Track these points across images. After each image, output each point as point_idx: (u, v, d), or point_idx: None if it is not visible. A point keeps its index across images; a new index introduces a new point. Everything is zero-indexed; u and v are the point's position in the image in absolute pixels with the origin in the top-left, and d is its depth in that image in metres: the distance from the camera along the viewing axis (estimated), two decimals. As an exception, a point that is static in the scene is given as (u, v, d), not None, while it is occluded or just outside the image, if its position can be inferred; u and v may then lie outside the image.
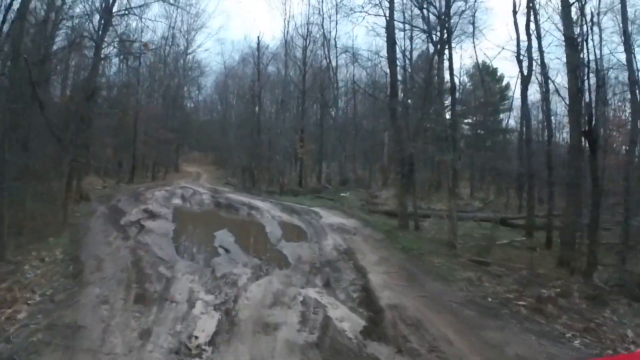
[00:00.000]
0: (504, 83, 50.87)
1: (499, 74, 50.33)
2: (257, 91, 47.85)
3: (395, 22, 28.39)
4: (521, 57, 25.50)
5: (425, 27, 26.52)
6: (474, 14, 33.55)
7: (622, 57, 19.77)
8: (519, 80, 25.93)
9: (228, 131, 59.28)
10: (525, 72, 25.35)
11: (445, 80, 36.10)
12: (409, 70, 39.09)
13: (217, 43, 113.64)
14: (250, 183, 44.84)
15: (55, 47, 27.77)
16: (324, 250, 17.25)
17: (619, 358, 5.65)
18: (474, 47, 48.47)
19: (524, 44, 26.24)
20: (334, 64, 49.78)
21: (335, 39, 49.44)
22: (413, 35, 42.43)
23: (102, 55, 30.88)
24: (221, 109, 66.81)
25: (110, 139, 40.89)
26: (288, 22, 62.60)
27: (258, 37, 69.12)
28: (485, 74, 46.98)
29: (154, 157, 49.75)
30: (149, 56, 48.66)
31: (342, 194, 35.91)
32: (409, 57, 43.78)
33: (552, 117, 35.72)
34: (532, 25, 24.58)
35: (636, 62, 18.83)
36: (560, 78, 34.94)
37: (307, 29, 49.03)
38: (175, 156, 57.98)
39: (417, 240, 19.85)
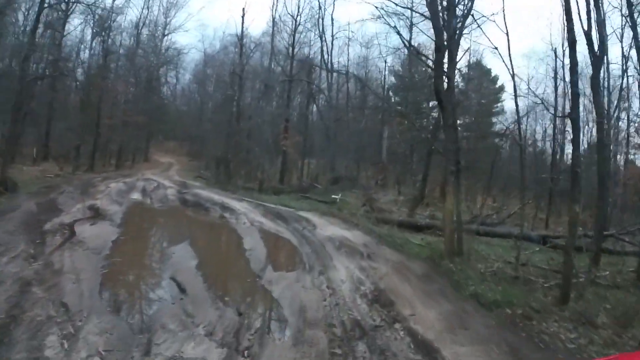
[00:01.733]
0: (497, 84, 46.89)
1: (492, 74, 46.39)
2: (238, 70, 40.79)
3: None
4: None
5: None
6: None
7: None
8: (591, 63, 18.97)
9: (205, 121, 52.81)
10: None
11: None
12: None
13: (198, 29, 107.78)
14: (225, 177, 38.08)
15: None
16: (338, 292, 10.47)
17: (617, 357, 4.12)
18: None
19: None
20: (329, 45, 43.37)
21: (331, 15, 43.40)
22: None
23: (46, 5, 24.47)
24: (199, 98, 60.18)
25: (73, 121, 37.33)
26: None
27: (243, 9, 61.13)
28: (480, 73, 44.04)
29: (119, 143, 43.94)
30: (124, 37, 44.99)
31: (334, 196, 29.36)
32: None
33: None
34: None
35: None
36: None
37: (298, 6, 42.40)
38: (146, 144, 52.85)
39: (486, 278, 12.30)
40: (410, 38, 40.79)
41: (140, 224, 18.04)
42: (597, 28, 16.74)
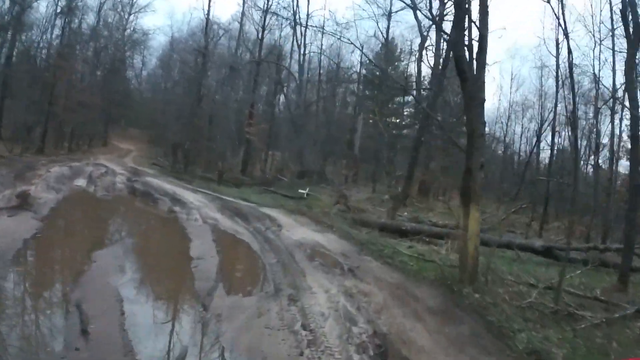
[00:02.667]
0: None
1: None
2: (202, 47, 36.71)
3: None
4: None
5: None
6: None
7: None
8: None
9: (169, 107, 48.72)
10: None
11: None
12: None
13: (167, 14, 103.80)
14: (182, 165, 34.16)
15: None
16: (320, 338, 6.86)
17: None
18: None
19: None
20: (302, 26, 39.77)
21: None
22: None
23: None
24: (164, 84, 55.90)
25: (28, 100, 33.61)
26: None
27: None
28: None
29: (74, 126, 39.42)
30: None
31: (301, 190, 25.93)
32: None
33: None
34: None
35: None
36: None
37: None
38: (105, 129, 48.64)
39: (524, 314, 8.79)
40: (388, 27, 38.11)
41: (70, 218, 14.47)
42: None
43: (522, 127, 42.38)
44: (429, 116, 23.68)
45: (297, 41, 39.47)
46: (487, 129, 21.85)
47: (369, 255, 13.01)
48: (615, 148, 26.49)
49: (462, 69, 10.63)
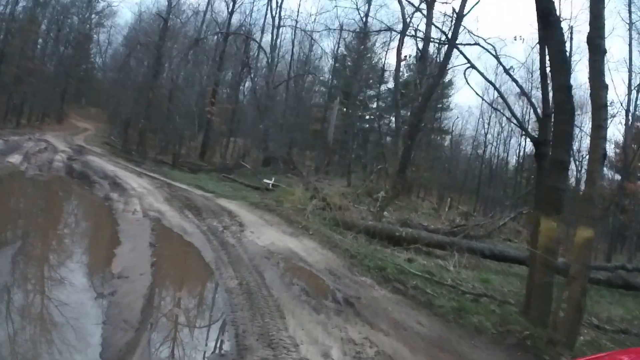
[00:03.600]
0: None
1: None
2: (164, 14, 32.25)
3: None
4: None
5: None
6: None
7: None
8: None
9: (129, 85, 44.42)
10: None
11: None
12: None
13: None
14: (135, 146, 29.85)
15: None
16: None
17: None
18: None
19: None
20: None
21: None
22: None
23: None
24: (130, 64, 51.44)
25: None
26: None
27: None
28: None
29: (23, 98, 35.77)
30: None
31: (266, 180, 22.01)
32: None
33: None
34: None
35: None
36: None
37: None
38: (61, 105, 44.89)
39: None
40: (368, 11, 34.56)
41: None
42: None
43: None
44: (427, 101, 19.91)
45: (271, 12, 35.23)
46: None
47: (366, 274, 9.25)
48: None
49: (549, 21, 6.88)
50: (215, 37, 35.68)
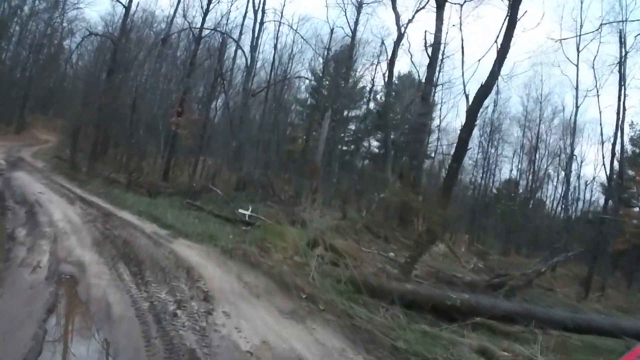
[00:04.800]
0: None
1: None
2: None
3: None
4: None
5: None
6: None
7: None
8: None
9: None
10: None
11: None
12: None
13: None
14: (88, 161, 24.52)
15: None
16: None
17: None
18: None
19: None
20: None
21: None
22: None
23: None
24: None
25: None
26: None
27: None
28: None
29: None
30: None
31: (242, 211, 17.11)
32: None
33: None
34: None
35: None
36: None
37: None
38: (20, 113, 40.46)
39: None
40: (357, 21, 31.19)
41: None
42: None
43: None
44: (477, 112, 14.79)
45: (253, 5, 30.41)
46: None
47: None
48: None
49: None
50: (186, 39, 30.87)
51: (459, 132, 17.32)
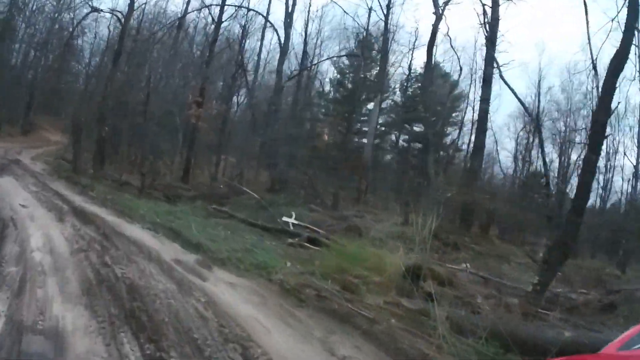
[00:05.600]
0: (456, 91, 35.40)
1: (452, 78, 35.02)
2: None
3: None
4: None
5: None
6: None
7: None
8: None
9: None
10: None
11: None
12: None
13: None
14: (94, 161, 20.84)
15: None
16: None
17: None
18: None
19: None
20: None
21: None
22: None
23: None
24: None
25: None
26: None
27: None
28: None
29: None
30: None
31: (286, 219, 13.64)
32: None
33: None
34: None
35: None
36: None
37: None
38: (26, 113, 37.21)
39: None
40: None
41: None
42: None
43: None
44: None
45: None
46: None
47: None
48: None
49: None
50: (204, 21, 27.37)
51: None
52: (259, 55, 29.92)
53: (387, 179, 29.82)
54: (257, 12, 26.72)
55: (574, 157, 28.42)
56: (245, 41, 28.89)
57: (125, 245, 8.28)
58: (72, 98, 41.46)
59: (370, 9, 28.80)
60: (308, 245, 11.81)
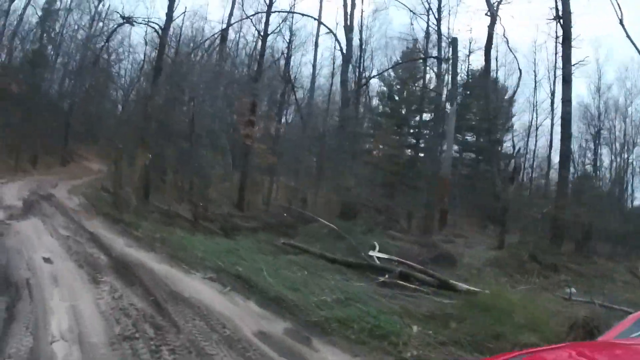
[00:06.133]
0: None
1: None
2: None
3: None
4: None
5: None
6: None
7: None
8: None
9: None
10: None
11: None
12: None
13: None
14: (135, 192, 18.35)
15: None
16: None
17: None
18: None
19: None
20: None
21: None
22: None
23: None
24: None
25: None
26: None
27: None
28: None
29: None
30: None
31: (372, 253, 11.14)
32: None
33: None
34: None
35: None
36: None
37: None
38: (64, 142, 34.71)
39: None
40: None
41: None
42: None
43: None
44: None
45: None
46: None
47: None
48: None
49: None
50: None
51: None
52: (313, 65, 27.39)
53: (455, 194, 27.40)
54: (313, 17, 24.54)
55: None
56: (291, 55, 26.70)
57: (187, 321, 5.72)
58: (110, 123, 40.40)
59: (428, 10, 26.31)
60: (403, 283, 9.86)
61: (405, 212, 19.09)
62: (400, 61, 28.39)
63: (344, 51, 23.85)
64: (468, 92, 32.01)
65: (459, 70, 29.72)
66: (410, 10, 26.66)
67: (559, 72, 24.59)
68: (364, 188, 20.09)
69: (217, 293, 7.38)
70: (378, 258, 11.80)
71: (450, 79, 26.88)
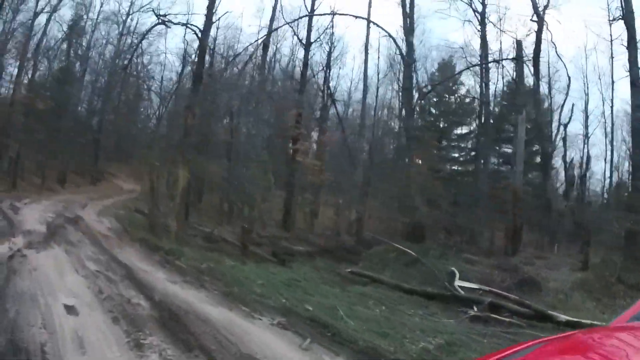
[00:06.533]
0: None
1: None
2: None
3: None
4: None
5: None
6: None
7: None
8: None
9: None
10: None
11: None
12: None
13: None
14: (177, 214, 16.62)
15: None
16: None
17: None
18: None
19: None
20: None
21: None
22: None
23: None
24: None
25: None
26: None
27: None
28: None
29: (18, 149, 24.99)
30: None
31: (458, 283, 9.22)
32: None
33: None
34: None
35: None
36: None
37: None
38: (94, 161, 34.72)
39: None
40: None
41: None
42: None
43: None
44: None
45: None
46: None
47: None
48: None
49: None
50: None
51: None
52: (364, 74, 25.59)
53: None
54: (375, 23, 22.80)
55: None
56: (331, 66, 25.02)
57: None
58: (143, 138, 39.62)
59: (476, 10, 24.68)
60: (495, 316, 8.94)
61: (479, 232, 17.32)
62: (458, 70, 26.68)
63: (404, 56, 22.00)
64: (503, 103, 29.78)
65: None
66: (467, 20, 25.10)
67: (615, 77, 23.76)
68: (431, 206, 18.26)
69: (297, 349, 5.57)
70: (461, 287, 10.06)
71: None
